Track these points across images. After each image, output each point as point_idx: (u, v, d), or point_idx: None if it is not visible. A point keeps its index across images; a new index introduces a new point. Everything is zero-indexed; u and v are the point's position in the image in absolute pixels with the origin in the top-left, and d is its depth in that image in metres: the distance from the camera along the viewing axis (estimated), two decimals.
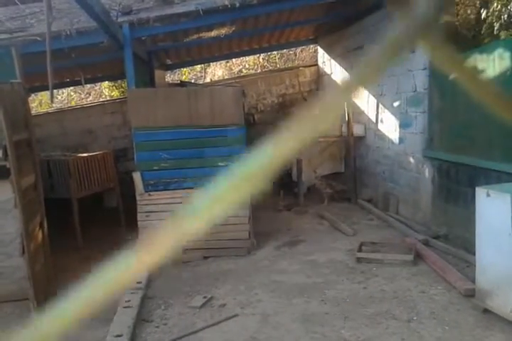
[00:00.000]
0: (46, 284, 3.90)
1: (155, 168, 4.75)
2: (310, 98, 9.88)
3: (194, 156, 4.83)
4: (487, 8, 7.47)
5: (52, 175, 5.45)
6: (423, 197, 5.41)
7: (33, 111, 8.10)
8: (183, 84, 7.40)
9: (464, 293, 3.52)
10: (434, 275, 3.99)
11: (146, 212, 4.79)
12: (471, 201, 3.93)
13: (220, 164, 4.94)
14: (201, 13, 4.76)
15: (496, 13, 7.34)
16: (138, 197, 4.77)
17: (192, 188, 4.87)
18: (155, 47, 6.96)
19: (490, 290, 3.19)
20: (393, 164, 6.24)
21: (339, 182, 7.43)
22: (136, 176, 4.74)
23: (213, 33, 6.53)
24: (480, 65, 4.41)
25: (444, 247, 4.52)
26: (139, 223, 4.80)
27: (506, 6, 7.07)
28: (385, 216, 5.87)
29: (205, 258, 4.89)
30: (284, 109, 9.76)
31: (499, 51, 4.17)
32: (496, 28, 7.22)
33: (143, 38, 5.71)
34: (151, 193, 4.76)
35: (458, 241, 4.59)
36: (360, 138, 7.29)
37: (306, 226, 5.84)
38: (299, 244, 5.17)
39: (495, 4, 7.28)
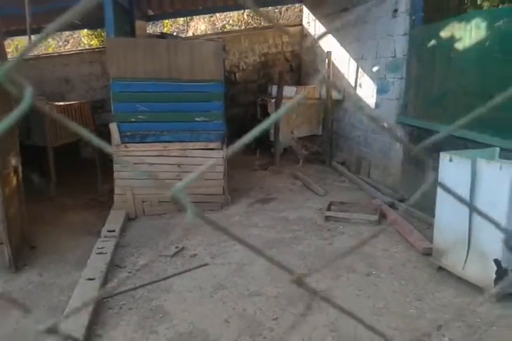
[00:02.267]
0: (20, 229, 3.97)
1: (132, 119, 4.75)
2: (292, 59, 9.81)
3: (172, 110, 4.84)
4: None
5: (30, 121, 5.38)
6: (394, 162, 5.60)
7: (9, 56, 7.82)
8: (163, 36, 7.23)
9: (422, 252, 3.76)
10: (396, 235, 4.22)
11: (122, 163, 4.83)
12: (437, 167, 4.11)
13: (197, 119, 4.98)
14: None
15: None
16: (114, 148, 4.78)
17: (169, 142, 4.92)
18: None
19: (445, 250, 3.42)
20: (368, 129, 6.37)
21: (316, 144, 7.56)
22: (113, 127, 4.74)
23: None
24: (457, 34, 4.47)
25: (409, 210, 4.74)
26: (114, 173, 4.85)
27: None
28: (357, 179, 6.07)
29: (180, 211, 5.01)
30: (265, 69, 9.69)
31: (476, 21, 4.22)
32: None
33: None
34: (128, 145, 4.78)
35: (422, 204, 4.81)
36: (339, 102, 7.36)
37: (279, 185, 5.99)
38: (271, 202, 5.33)
39: None
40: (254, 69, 9.62)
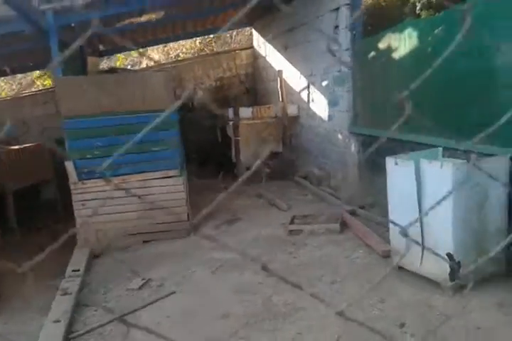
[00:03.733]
0: None
1: (88, 156, 4.77)
2: (246, 81, 10.03)
3: (127, 142, 4.88)
4: None
5: None
6: (350, 171, 5.75)
7: None
8: (113, 70, 7.33)
9: (381, 255, 3.85)
10: (357, 241, 4.32)
11: (82, 200, 4.83)
12: None
13: (154, 149, 5.03)
14: None
15: None
16: (72, 186, 4.79)
17: (128, 174, 4.95)
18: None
19: (402, 250, 3.52)
20: (324, 141, 6.54)
21: (278, 161, 7.68)
22: (69, 165, 4.75)
23: (144, 18, 6.50)
24: (392, 44, 4.70)
25: (368, 215, 4.87)
26: (75, 212, 4.84)
27: None
28: (318, 190, 6.19)
29: (145, 242, 5.00)
30: (222, 92, 9.87)
31: (408, 31, 4.46)
32: (417, 8, 7.62)
33: (72, 25, 5.64)
34: (85, 181, 4.79)
35: (381, 208, 4.94)
36: (295, 118, 7.54)
37: (244, 205, 6.05)
38: (237, 222, 5.38)
39: None
40: (211, 94, 9.79)
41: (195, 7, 7.13)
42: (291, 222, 4.82)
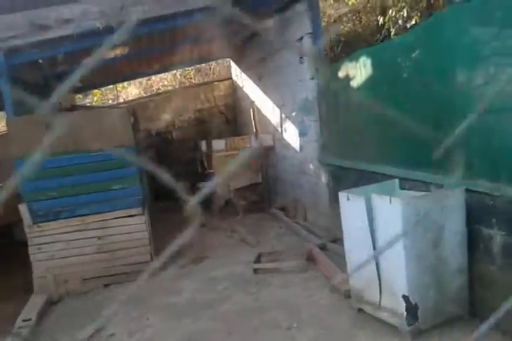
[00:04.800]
0: None
1: (41, 197, 4.59)
2: (226, 111, 9.98)
3: (85, 182, 4.72)
4: (384, 15, 7.89)
5: None
6: (322, 202, 5.56)
7: None
8: (73, 108, 7.25)
9: (343, 295, 3.61)
10: (323, 279, 4.08)
11: (38, 244, 4.62)
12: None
13: (114, 187, 4.86)
14: (75, 36, 4.70)
15: (393, 19, 7.77)
16: (27, 230, 4.59)
17: (86, 215, 4.76)
18: (53, 71, 6.79)
19: (361, 290, 3.29)
20: (298, 171, 6.38)
21: (256, 192, 7.50)
22: (22, 208, 4.57)
23: (109, 54, 6.46)
24: (350, 73, 4.60)
25: (338, 249, 4.63)
26: (30, 256, 4.62)
27: (400, 12, 7.50)
28: (292, 223, 5.97)
29: (106, 285, 4.76)
30: (201, 124, 9.79)
31: (363, 59, 4.37)
32: (392, 33, 7.64)
33: (40, 61, 5.59)
34: (41, 224, 4.59)
35: None
36: (270, 148, 7.41)
37: (215, 242, 5.83)
38: (204, 261, 5.15)
39: (390, 11, 7.70)
40: (190, 126, 9.71)
41: (159, 42, 7.11)
42: (257, 260, 4.59)
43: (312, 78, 5.56)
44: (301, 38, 5.60)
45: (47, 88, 6.76)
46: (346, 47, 8.17)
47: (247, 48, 8.14)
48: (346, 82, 4.70)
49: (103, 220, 4.78)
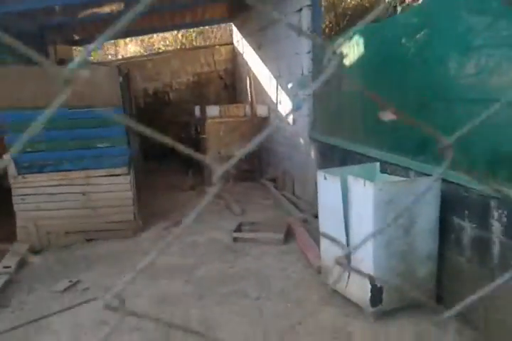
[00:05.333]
0: None
1: (28, 149, 4.59)
2: (226, 77, 9.84)
3: (70, 138, 4.71)
4: None
5: None
6: (309, 177, 5.59)
7: None
8: (61, 62, 7.10)
9: (316, 270, 3.71)
10: (299, 253, 4.17)
11: (22, 195, 4.66)
12: None
13: (99, 145, 4.86)
14: None
15: None
16: (11, 180, 4.62)
17: (70, 170, 4.78)
18: (49, 22, 6.63)
19: (331, 267, 3.39)
20: (290, 144, 6.39)
21: (249, 162, 7.52)
22: (8, 158, 4.56)
23: (108, 9, 6.30)
24: (344, 50, 4.52)
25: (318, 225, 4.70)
26: (14, 206, 4.67)
27: None
28: (279, 195, 6.04)
29: (88, 241, 4.85)
30: (199, 88, 9.68)
31: (356, 37, 4.28)
32: (398, 12, 7.52)
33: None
34: (25, 176, 4.62)
35: None
36: (265, 119, 7.37)
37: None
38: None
39: None
40: (188, 89, 9.60)
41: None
42: (237, 229, 4.67)
43: (309, 52, 5.47)
44: (300, 10, 5.46)
45: (42, 38, 6.62)
46: (353, 22, 8.01)
47: (248, 14, 7.94)
48: (340, 59, 4.62)
49: (87, 177, 4.80)
